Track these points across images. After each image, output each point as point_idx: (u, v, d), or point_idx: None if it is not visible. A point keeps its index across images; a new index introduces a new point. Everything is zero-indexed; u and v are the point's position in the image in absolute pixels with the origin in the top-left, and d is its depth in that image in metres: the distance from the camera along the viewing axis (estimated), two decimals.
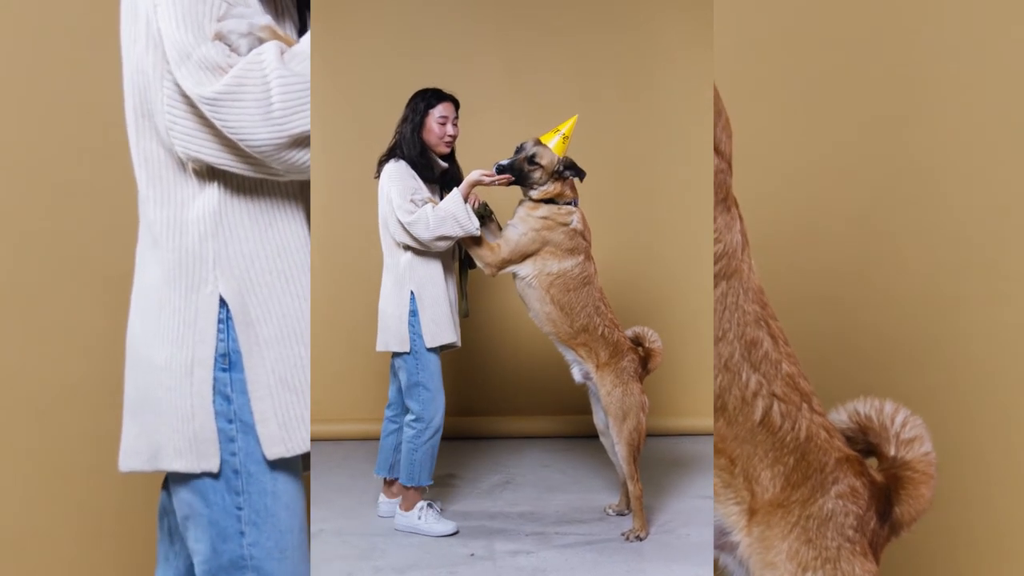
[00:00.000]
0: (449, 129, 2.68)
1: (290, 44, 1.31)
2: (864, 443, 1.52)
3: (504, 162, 2.58)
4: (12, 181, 2.24)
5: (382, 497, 2.81)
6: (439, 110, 2.66)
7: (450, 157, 2.75)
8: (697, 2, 3.97)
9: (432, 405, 2.59)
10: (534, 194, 2.61)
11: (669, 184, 4.09)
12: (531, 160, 2.58)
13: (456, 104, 2.72)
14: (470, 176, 2.56)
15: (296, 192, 1.38)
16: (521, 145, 2.62)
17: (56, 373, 2.27)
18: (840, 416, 1.53)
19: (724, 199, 1.44)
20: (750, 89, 2.31)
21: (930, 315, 2.27)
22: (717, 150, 1.44)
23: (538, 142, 2.60)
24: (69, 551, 2.30)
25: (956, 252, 2.25)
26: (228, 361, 1.31)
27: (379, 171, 2.67)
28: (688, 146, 4.04)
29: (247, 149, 1.26)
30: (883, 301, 2.31)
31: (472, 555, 2.43)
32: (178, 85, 1.27)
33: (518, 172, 2.58)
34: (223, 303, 1.31)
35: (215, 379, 1.31)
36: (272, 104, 1.24)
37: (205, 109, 1.25)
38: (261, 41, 1.30)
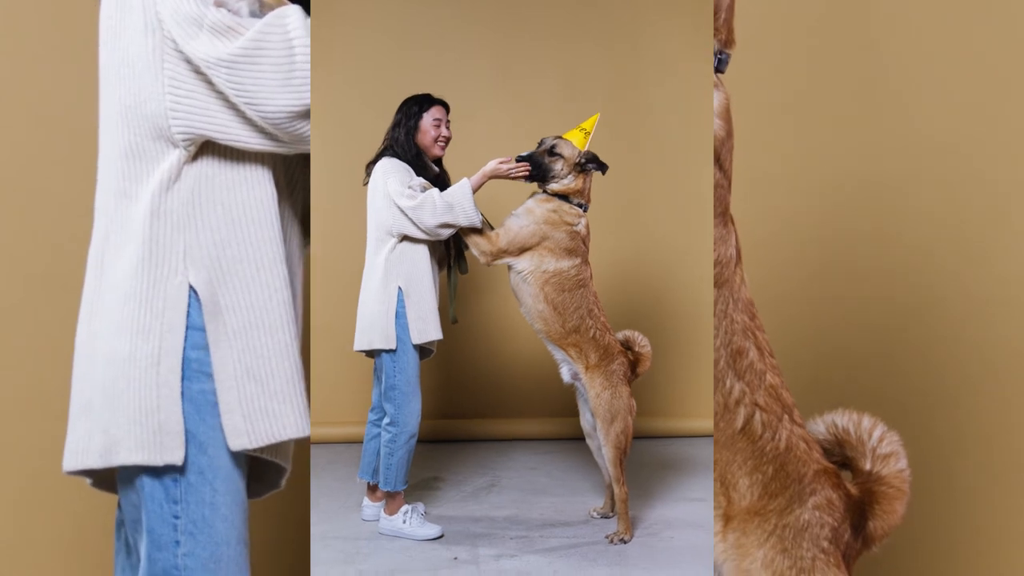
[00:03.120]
0: (444, 131, 2.69)
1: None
2: (840, 455, 1.54)
3: (524, 153, 2.58)
4: None
5: (366, 501, 2.81)
6: (433, 113, 2.67)
7: (439, 163, 2.75)
8: (694, 8, 3.97)
9: (406, 409, 2.57)
10: (554, 186, 2.59)
11: (664, 190, 4.10)
12: (551, 151, 2.57)
13: (447, 108, 2.73)
14: (486, 166, 2.53)
15: (270, 185, 1.35)
16: (542, 140, 2.62)
17: (12, 378, 2.24)
18: (818, 427, 1.55)
19: (722, 213, 1.48)
20: (738, 95, 2.31)
21: (907, 328, 2.28)
22: (720, 166, 1.47)
23: (559, 136, 2.61)
24: (27, 563, 2.26)
25: (938, 264, 2.26)
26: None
27: (368, 175, 2.66)
28: (683, 153, 4.05)
29: (258, 117, 1.23)
30: (862, 312, 2.32)
31: (456, 559, 2.43)
32: (187, 63, 1.24)
33: (538, 164, 2.57)
34: (193, 293, 1.29)
35: None
36: (294, 68, 1.20)
37: (221, 72, 1.21)
38: (263, 6, 1.27)
